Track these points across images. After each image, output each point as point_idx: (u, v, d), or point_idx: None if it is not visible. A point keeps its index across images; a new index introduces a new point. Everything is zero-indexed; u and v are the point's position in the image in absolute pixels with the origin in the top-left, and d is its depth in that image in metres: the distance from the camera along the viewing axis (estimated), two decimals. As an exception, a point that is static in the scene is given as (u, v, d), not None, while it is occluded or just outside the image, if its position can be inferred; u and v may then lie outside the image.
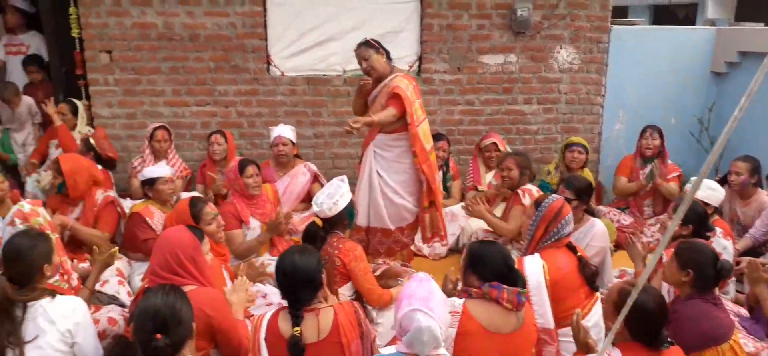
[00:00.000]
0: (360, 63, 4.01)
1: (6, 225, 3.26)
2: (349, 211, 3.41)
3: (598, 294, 3.11)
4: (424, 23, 5.43)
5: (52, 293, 2.48)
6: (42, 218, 3.12)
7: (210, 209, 3.50)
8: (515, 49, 5.56)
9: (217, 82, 5.35)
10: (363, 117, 3.93)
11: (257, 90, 5.43)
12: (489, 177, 5.12)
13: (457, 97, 5.65)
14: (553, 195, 3.34)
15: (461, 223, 4.73)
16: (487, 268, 2.52)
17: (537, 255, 3.04)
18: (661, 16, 14.23)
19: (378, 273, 3.62)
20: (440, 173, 4.92)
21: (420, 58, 5.55)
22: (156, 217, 3.98)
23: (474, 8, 5.41)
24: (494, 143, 5.11)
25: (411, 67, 5.54)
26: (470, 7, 5.40)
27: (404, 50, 5.48)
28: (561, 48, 5.59)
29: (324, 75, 5.49)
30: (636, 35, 5.81)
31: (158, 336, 1.99)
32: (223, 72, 5.33)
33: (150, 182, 4.10)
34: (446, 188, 5.01)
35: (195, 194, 4.48)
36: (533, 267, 2.94)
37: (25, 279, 2.44)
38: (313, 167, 4.85)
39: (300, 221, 4.52)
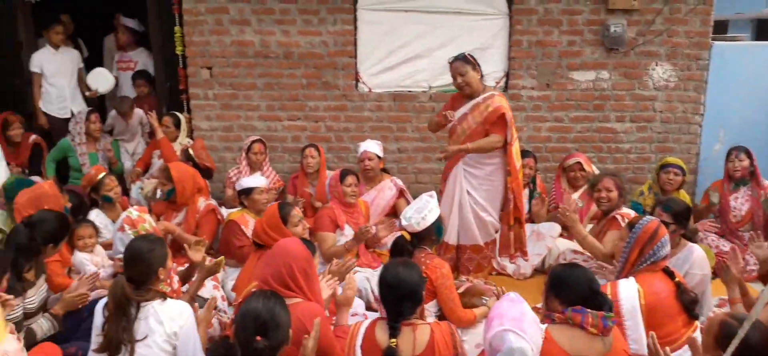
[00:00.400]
0: (455, 77, 4.01)
1: (116, 230, 3.55)
2: (438, 227, 3.43)
3: (698, 322, 2.96)
4: (513, 39, 5.40)
5: (163, 295, 2.64)
6: (148, 223, 3.36)
7: (297, 212, 3.65)
8: (607, 66, 5.41)
9: (308, 98, 5.55)
10: (456, 146, 3.98)
11: (346, 106, 5.58)
12: (574, 198, 4.96)
13: (545, 113, 5.55)
14: (648, 216, 3.21)
15: (548, 243, 4.62)
16: (570, 292, 2.44)
17: (631, 279, 2.93)
18: (765, 29, 13.32)
19: (461, 290, 3.60)
20: (526, 191, 4.86)
21: (507, 74, 5.51)
22: (250, 225, 4.16)
23: (565, 24, 5.32)
24: (578, 163, 4.90)
25: (498, 83, 5.51)
26: (561, 23, 5.32)
27: (491, 66, 5.46)
28: (657, 65, 5.38)
29: (410, 91, 5.56)
30: (739, 51, 5.50)
31: (259, 338, 2.09)
32: (315, 88, 5.52)
33: (246, 192, 4.31)
34: (532, 207, 4.92)
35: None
36: (628, 291, 2.83)
37: (141, 281, 2.61)
38: (400, 182, 4.90)
39: (384, 234, 4.59)
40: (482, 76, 4.06)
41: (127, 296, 2.51)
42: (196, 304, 2.85)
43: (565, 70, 5.44)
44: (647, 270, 2.99)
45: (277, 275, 2.58)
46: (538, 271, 4.58)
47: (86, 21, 6.44)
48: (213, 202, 4.33)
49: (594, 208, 4.55)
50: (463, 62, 3.98)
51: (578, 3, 5.30)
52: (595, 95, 5.49)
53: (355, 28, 5.41)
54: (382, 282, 2.49)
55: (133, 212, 3.48)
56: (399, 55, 5.49)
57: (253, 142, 5.15)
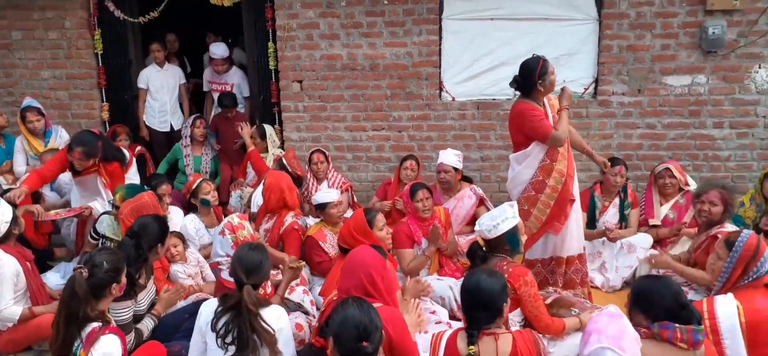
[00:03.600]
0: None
1: (217, 233, 3.79)
2: (512, 237, 3.30)
3: (806, 343, 2.77)
4: (603, 44, 5.26)
5: (267, 302, 2.85)
6: (247, 230, 3.57)
7: (381, 217, 3.75)
8: (705, 70, 5.15)
9: (392, 108, 5.67)
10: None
11: (429, 115, 5.64)
12: (664, 210, 4.67)
13: (636, 120, 5.37)
14: (746, 231, 3.04)
15: (639, 255, 4.46)
16: (655, 306, 2.37)
17: (730, 295, 2.80)
18: None
19: (548, 301, 3.54)
20: (617, 200, 4.72)
21: (596, 80, 5.38)
22: (328, 239, 4.31)
23: (659, 28, 5.13)
24: (668, 170, 4.65)
25: (586, 89, 5.39)
26: (654, 26, 5.13)
27: (579, 72, 5.36)
28: (760, 67, 5.06)
29: (494, 99, 5.55)
30: None
31: (365, 343, 2.18)
32: (399, 99, 5.63)
33: (321, 207, 4.46)
34: (624, 217, 4.75)
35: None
36: (726, 308, 2.71)
37: (257, 288, 2.83)
38: (479, 191, 4.89)
39: (465, 244, 4.59)
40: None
41: (254, 302, 2.71)
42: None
43: (657, 74, 5.23)
44: (748, 287, 2.85)
45: (359, 285, 2.69)
46: (627, 284, 4.43)
47: (192, 37, 6.87)
48: (298, 221, 4.43)
49: (686, 218, 4.35)
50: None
51: (673, 5, 5.09)
52: (691, 100, 5.24)
53: (440, 38, 5.47)
54: (463, 289, 2.52)
55: (235, 218, 3.70)
56: (483, 63, 5.49)
57: (313, 152, 5.27)
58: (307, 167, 5.33)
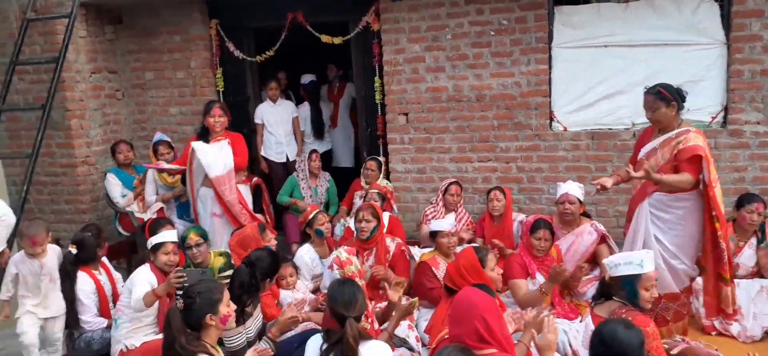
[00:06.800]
0: (645, 109, 3.78)
1: (327, 267, 3.87)
2: (628, 284, 3.08)
3: None
4: (732, 69, 4.83)
5: (369, 336, 2.84)
6: (354, 266, 3.61)
7: (492, 256, 3.63)
8: None
9: (499, 138, 5.54)
10: (641, 171, 3.61)
11: (538, 146, 5.45)
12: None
13: (774, 151, 4.85)
14: None
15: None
16: None
17: None
18: None
19: (675, 351, 3.25)
20: (754, 240, 4.28)
21: (725, 108, 4.94)
22: (441, 267, 4.25)
23: (800, 48, 4.63)
24: None
25: (714, 118, 4.96)
26: (795, 47, 4.64)
27: (705, 100, 4.95)
28: None
29: (610, 129, 5.26)
30: None
31: None
32: (506, 129, 5.50)
33: (433, 234, 4.43)
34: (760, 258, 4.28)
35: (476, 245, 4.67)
36: None
37: (359, 320, 2.87)
38: (601, 228, 4.55)
39: (582, 283, 4.35)
40: (680, 110, 3.73)
41: (355, 335, 2.74)
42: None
43: (798, 101, 4.71)
44: None
45: (473, 332, 2.58)
46: (768, 334, 3.98)
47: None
48: (401, 242, 4.49)
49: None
50: (654, 98, 3.71)
51: (818, 24, 4.59)
52: (840, 128, 4.66)
53: (550, 66, 5.30)
54: (597, 336, 2.36)
55: (343, 253, 3.77)
56: (598, 91, 5.24)
57: (451, 184, 5.28)
58: (440, 196, 5.32)
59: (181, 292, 3.32)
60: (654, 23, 5.00)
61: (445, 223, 4.47)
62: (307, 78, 7.00)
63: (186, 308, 2.81)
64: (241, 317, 3.40)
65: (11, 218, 4.19)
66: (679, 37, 4.93)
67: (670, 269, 3.82)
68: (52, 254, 4.12)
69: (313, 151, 6.17)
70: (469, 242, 4.93)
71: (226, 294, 2.94)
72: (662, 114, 3.69)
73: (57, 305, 4.10)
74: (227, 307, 2.91)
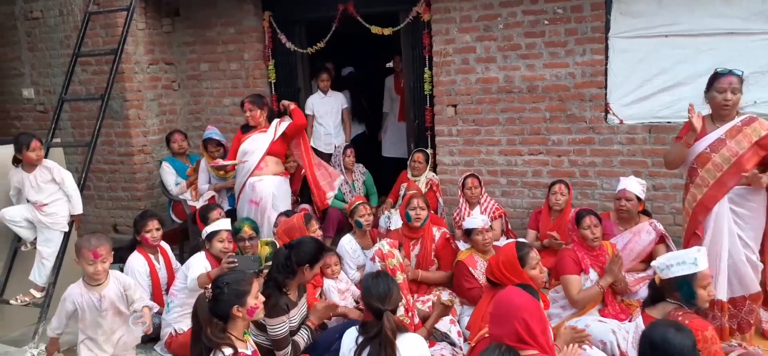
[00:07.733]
0: (724, 91, 3.54)
1: (369, 259, 3.87)
2: (684, 284, 2.94)
3: None
4: (804, 60, 4.52)
5: (405, 329, 2.83)
6: (396, 260, 3.59)
7: (535, 253, 3.49)
8: None
9: (551, 131, 5.39)
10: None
11: (592, 139, 5.27)
12: None
13: None
14: None
15: None
16: None
17: None
18: None
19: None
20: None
21: (797, 101, 4.63)
22: (479, 265, 4.18)
23: None
24: None
25: (784, 111, 4.65)
26: None
27: (774, 92, 4.66)
28: None
29: (669, 122, 5.02)
30: None
31: None
32: (558, 122, 5.34)
33: (468, 233, 4.35)
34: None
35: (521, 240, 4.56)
36: None
37: (395, 313, 2.88)
38: (660, 227, 4.35)
39: (634, 282, 4.19)
40: None
41: (392, 328, 2.75)
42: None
43: None
44: None
45: (513, 333, 2.52)
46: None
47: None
48: (446, 231, 4.45)
49: None
50: (739, 79, 3.54)
51: None
52: None
53: (606, 57, 5.10)
54: (646, 340, 2.28)
55: (385, 246, 3.77)
56: (656, 83, 5.01)
57: (467, 177, 5.22)
58: (460, 192, 5.27)
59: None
60: (720, 11, 4.73)
61: (478, 221, 4.35)
62: (347, 70, 7.04)
63: (214, 298, 2.81)
64: (285, 304, 3.42)
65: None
66: (747, 25, 4.64)
67: (752, 265, 3.64)
68: (115, 284, 3.47)
69: (348, 146, 6.16)
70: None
71: (256, 286, 2.91)
72: (738, 99, 3.57)
73: (123, 342, 3.55)
74: (255, 299, 2.88)
